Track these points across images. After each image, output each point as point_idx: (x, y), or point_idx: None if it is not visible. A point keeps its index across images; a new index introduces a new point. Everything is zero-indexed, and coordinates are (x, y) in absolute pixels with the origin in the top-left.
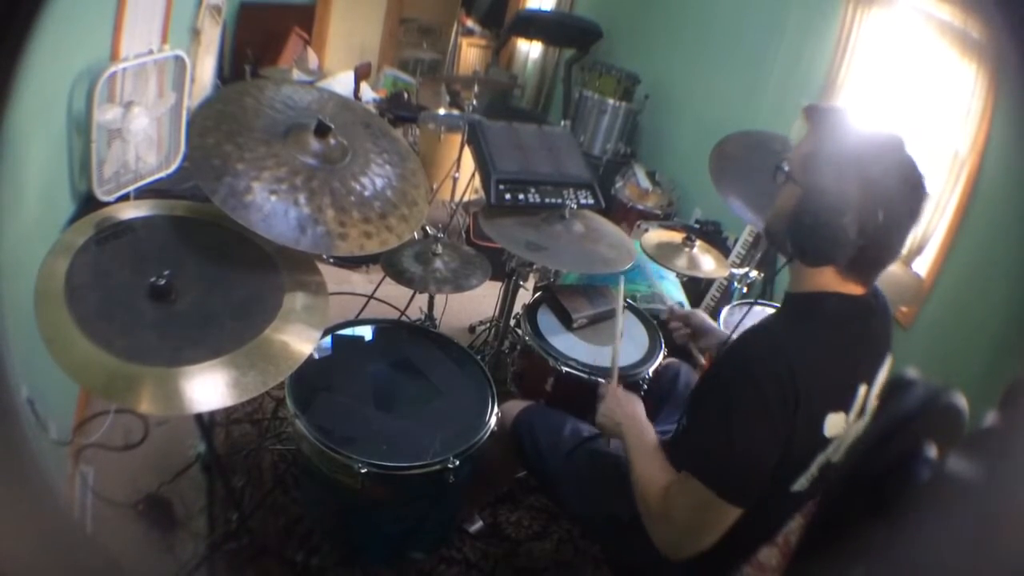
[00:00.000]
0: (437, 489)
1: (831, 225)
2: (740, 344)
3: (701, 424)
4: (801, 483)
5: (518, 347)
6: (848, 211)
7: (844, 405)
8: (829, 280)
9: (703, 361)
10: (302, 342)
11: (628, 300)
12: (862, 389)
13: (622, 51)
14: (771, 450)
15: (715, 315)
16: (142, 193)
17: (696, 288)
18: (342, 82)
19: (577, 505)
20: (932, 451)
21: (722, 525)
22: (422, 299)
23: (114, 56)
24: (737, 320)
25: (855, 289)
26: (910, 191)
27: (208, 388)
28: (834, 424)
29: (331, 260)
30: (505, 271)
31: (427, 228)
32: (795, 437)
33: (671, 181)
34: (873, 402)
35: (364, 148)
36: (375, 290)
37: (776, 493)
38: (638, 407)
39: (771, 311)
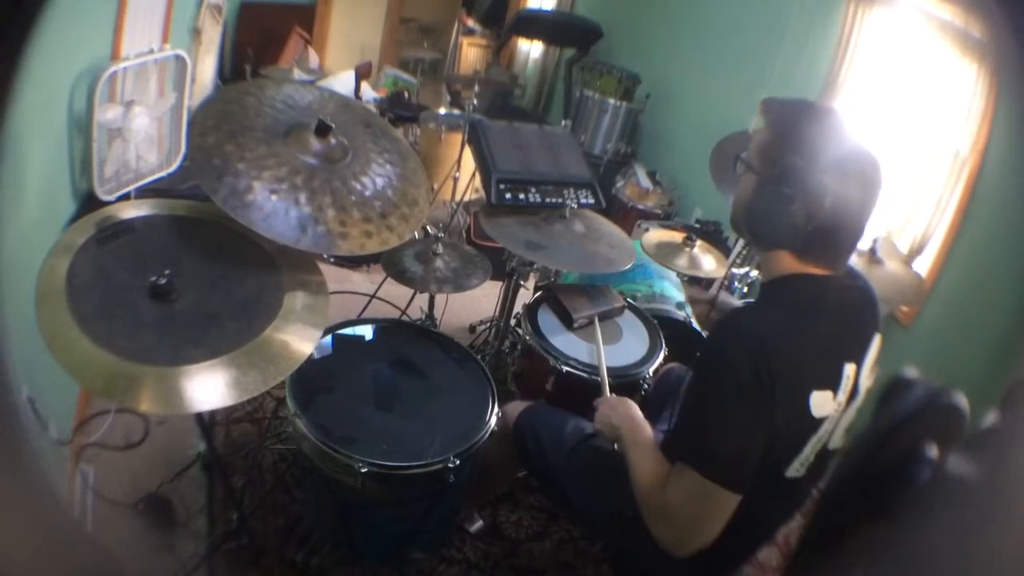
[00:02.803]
0: (437, 489)
1: (780, 211)
2: (713, 332)
3: (686, 413)
4: (796, 468)
5: (519, 347)
6: (796, 198)
7: (829, 383)
8: (790, 264)
9: None
10: (302, 342)
11: (628, 300)
12: (849, 368)
13: (622, 51)
14: (754, 430)
15: None
16: (143, 192)
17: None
18: (343, 82)
19: (579, 503)
20: (932, 451)
21: (721, 514)
22: (423, 299)
23: (115, 56)
24: None
25: (818, 271)
26: (860, 180)
27: (208, 388)
28: (821, 403)
29: (332, 259)
30: (505, 271)
31: (428, 228)
32: (779, 416)
33: (671, 181)
34: (866, 383)
35: (365, 148)
36: (376, 290)
37: (771, 479)
38: (632, 408)
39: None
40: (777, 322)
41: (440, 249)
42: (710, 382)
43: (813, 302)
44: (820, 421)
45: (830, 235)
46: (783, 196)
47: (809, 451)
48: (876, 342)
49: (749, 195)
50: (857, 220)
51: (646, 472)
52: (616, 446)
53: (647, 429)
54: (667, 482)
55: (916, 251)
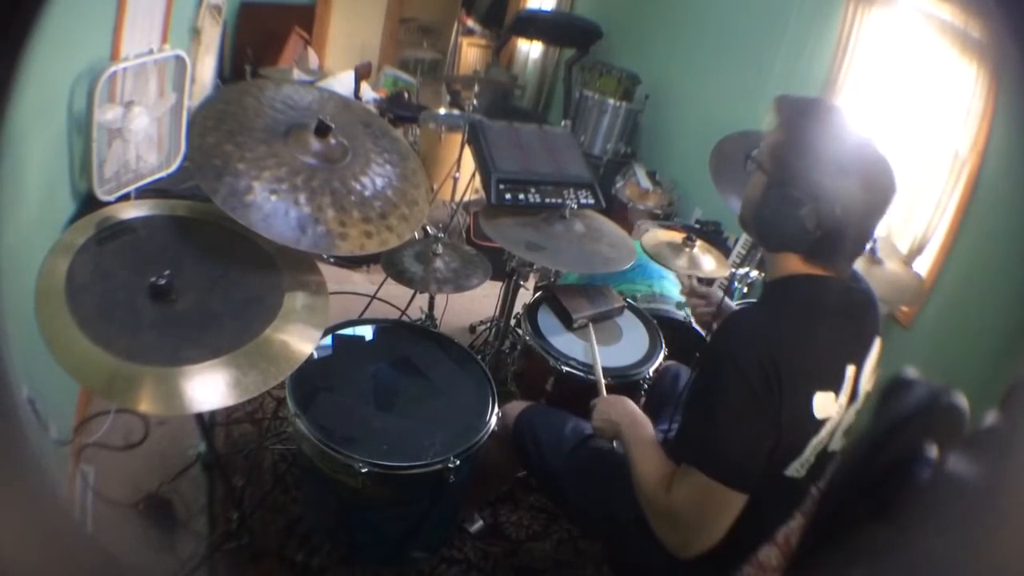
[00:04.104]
0: (438, 489)
1: (789, 215)
2: (719, 331)
3: (691, 414)
4: (796, 468)
5: (518, 347)
6: (806, 202)
7: (832, 385)
8: (795, 265)
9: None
10: (302, 342)
11: (628, 300)
12: (850, 370)
13: (622, 51)
14: (762, 431)
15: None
16: (142, 193)
17: None
18: (342, 82)
19: (578, 504)
20: (932, 451)
21: (728, 516)
22: (423, 299)
23: (114, 56)
24: None
25: (823, 273)
26: (872, 186)
27: (208, 388)
28: (823, 404)
29: (331, 260)
30: (505, 271)
31: (427, 228)
32: (784, 417)
33: (671, 181)
34: (865, 386)
35: (364, 148)
36: (377, 290)
37: (771, 479)
38: (631, 405)
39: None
40: (782, 323)
41: (440, 249)
42: (716, 383)
43: (817, 303)
44: (821, 423)
45: (838, 240)
46: (792, 199)
47: (810, 452)
48: (876, 345)
49: (758, 196)
50: (866, 225)
51: (649, 472)
52: (615, 444)
53: (648, 425)
54: (672, 484)
55: (916, 251)
